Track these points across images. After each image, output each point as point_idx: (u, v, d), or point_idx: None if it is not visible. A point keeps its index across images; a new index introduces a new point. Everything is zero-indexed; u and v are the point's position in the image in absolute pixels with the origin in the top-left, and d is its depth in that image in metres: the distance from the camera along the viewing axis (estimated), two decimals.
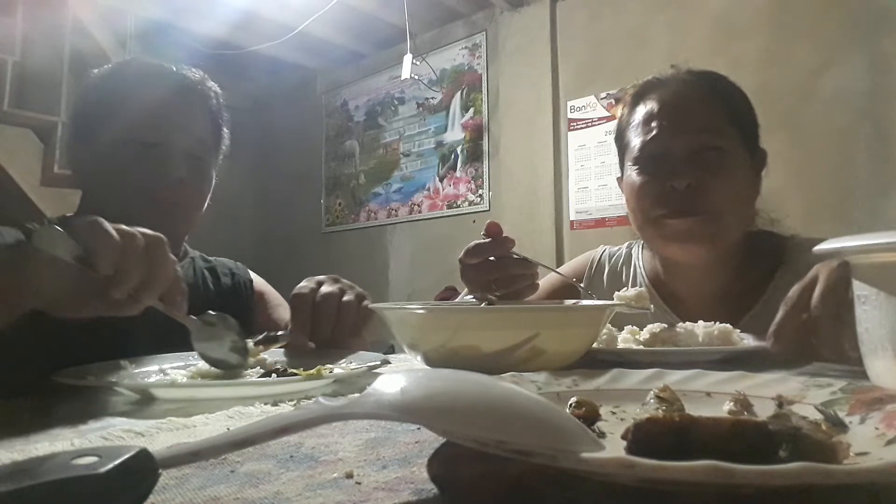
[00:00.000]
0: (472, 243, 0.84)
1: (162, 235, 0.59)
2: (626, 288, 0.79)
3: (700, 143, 0.97)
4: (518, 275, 0.83)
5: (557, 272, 0.95)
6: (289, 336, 0.78)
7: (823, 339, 0.60)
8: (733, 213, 0.97)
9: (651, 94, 1.04)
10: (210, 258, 1.15)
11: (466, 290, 0.91)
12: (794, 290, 0.65)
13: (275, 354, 0.71)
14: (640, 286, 1.11)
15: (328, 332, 0.78)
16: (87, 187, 1.02)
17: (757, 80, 2.55)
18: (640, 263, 1.14)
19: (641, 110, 1.04)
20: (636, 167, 1.02)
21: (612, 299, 0.82)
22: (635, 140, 1.03)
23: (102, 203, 0.98)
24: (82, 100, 1.04)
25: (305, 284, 0.82)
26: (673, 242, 1.01)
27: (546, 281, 1.15)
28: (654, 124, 1.00)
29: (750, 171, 1.01)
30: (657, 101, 1.02)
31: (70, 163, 1.04)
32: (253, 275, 1.17)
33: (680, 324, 0.77)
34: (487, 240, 0.84)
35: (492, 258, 0.83)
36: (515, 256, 0.83)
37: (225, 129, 1.08)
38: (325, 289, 0.81)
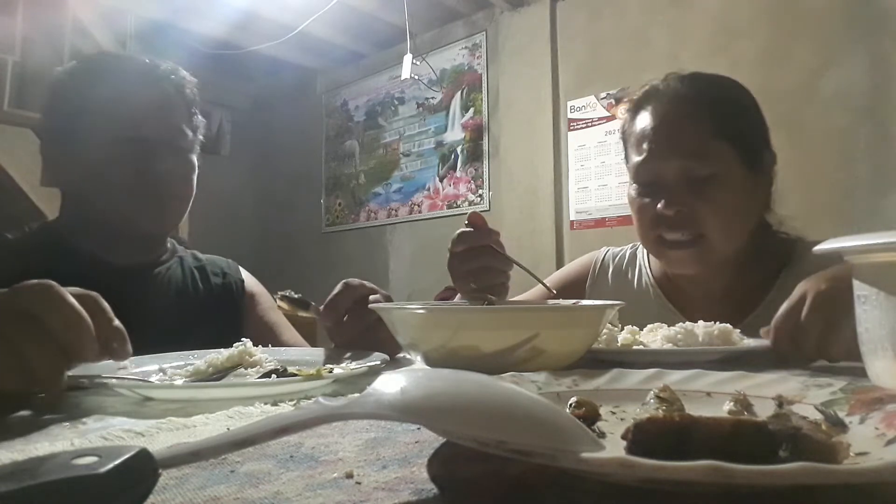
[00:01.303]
0: (458, 231, 0.83)
1: (94, 293, 0.53)
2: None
3: (689, 168, 0.97)
4: (494, 268, 0.82)
5: (540, 280, 0.93)
6: (319, 310, 0.78)
7: (809, 358, 0.66)
8: (725, 234, 0.99)
9: (647, 107, 1.04)
10: (202, 257, 1.13)
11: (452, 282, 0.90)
12: (782, 311, 0.69)
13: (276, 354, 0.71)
14: (646, 286, 1.12)
15: (358, 329, 0.78)
16: (69, 188, 1.00)
17: (757, 80, 2.52)
18: (646, 263, 1.15)
19: (638, 125, 1.05)
20: (633, 186, 1.05)
21: (617, 299, 0.82)
22: (632, 158, 1.05)
23: (86, 202, 0.97)
24: (52, 98, 1.01)
25: (360, 282, 0.82)
26: (671, 265, 1.05)
27: (536, 290, 1.14)
28: (646, 146, 1.01)
29: (748, 185, 1.00)
30: (649, 121, 1.02)
31: (46, 164, 1.01)
32: (245, 274, 1.15)
33: (680, 324, 0.77)
34: (470, 229, 0.83)
35: (474, 248, 0.82)
36: (496, 251, 0.82)
37: (200, 118, 1.06)
38: (376, 297, 0.80)
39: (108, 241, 0.97)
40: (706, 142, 0.98)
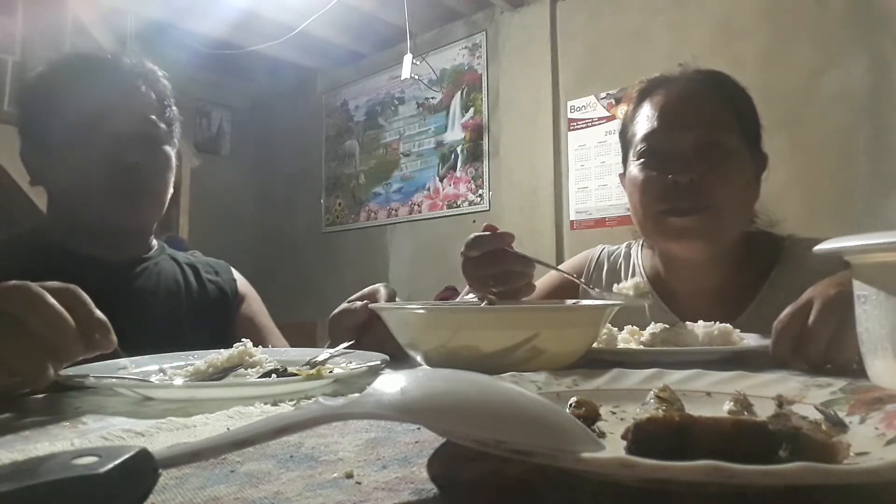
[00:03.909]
0: (473, 235, 0.83)
1: (72, 286, 0.53)
2: (624, 280, 0.79)
3: (705, 139, 0.97)
4: (516, 271, 0.82)
5: (559, 270, 0.95)
6: None
7: (815, 362, 0.64)
8: (733, 210, 0.98)
9: (658, 90, 1.05)
10: (193, 258, 1.14)
11: (467, 286, 0.91)
12: (786, 314, 0.67)
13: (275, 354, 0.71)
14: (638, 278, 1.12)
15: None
16: (47, 185, 1.01)
17: (757, 80, 2.52)
18: (639, 262, 1.15)
19: (647, 105, 1.04)
20: (640, 161, 1.03)
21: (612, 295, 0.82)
22: (640, 134, 1.04)
23: (64, 199, 0.99)
24: (23, 102, 1.02)
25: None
26: (673, 239, 1.01)
27: (546, 279, 1.15)
28: (659, 118, 1.01)
29: (751, 173, 1.02)
30: (664, 97, 1.03)
31: (25, 164, 1.02)
32: (238, 276, 1.15)
33: (679, 323, 0.77)
34: (486, 233, 0.83)
35: (491, 252, 0.83)
36: (515, 253, 0.83)
37: (174, 108, 1.06)
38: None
39: (89, 237, 0.97)
40: (722, 116, 1.00)
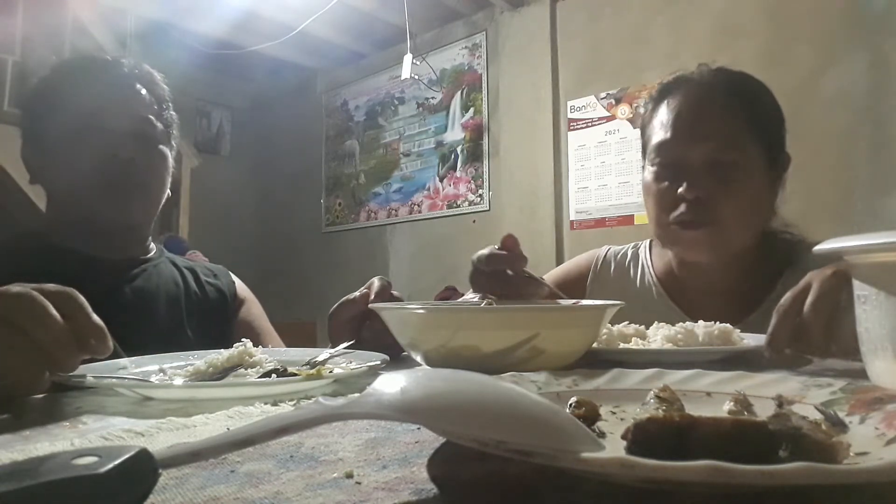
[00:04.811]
0: (488, 251, 0.82)
1: (70, 290, 0.53)
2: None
3: (714, 156, 0.97)
4: (529, 294, 0.82)
5: (550, 287, 0.94)
6: None
7: (813, 346, 0.63)
8: (740, 224, 0.99)
9: (675, 93, 1.04)
10: (190, 262, 1.15)
11: (471, 290, 0.91)
12: (787, 298, 0.67)
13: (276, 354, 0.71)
14: (648, 285, 1.13)
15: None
16: (45, 183, 1.02)
17: None
18: (648, 262, 1.16)
19: (663, 110, 1.04)
20: (652, 169, 1.04)
21: (619, 297, 0.82)
22: (653, 141, 1.04)
23: (61, 196, 1.01)
24: (25, 104, 1.05)
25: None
26: (681, 248, 1.04)
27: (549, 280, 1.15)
28: (671, 129, 1.01)
29: (767, 180, 1.01)
30: (678, 104, 1.02)
31: (25, 163, 1.04)
32: (236, 279, 1.16)
33: (679, 324, 0.77)
34: (503, 252, 0.82)
35: (503, 272, 0.82)
36: (523, 275, 0.83)
37: (173, 112, 1.08)
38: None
39: (87, 236, 0.98)
40: (735, 130, 0.99)
